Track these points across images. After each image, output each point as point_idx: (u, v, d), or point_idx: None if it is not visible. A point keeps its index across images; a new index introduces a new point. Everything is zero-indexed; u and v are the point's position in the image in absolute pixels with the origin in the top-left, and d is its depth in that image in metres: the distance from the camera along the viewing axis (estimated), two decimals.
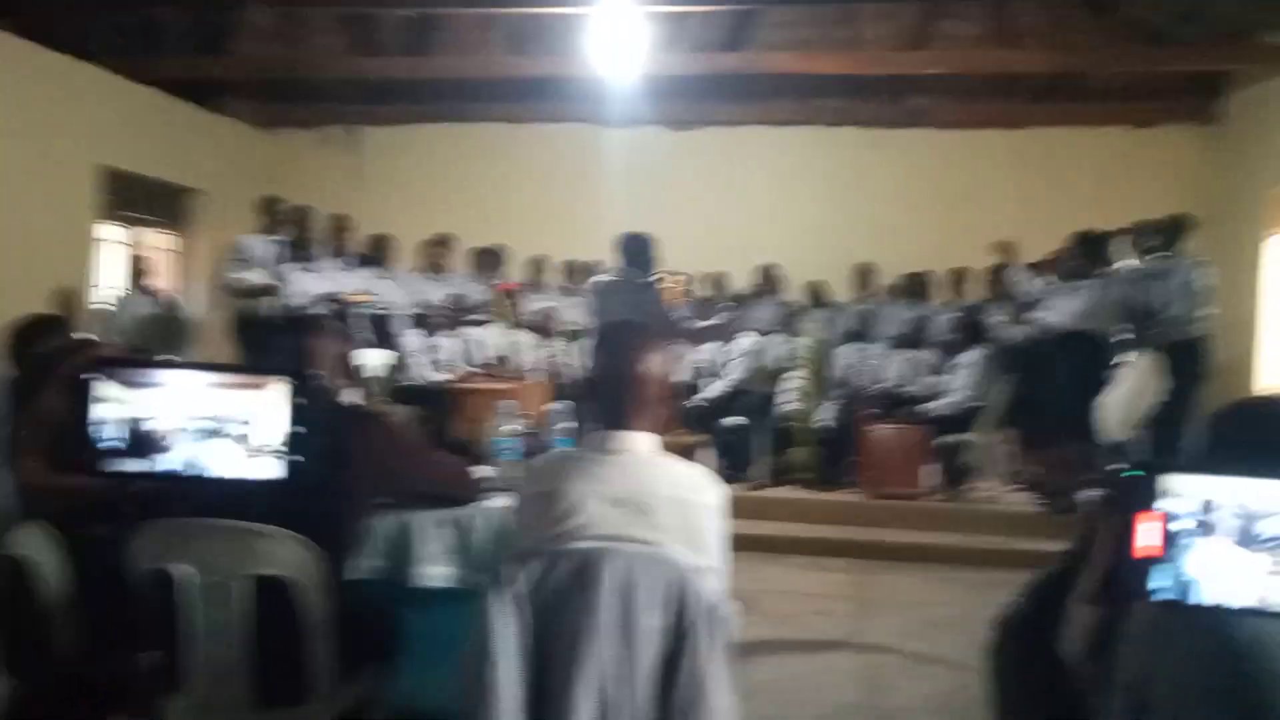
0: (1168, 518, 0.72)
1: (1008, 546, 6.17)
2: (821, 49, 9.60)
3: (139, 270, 8.70)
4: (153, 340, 8.48)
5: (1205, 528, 0.71)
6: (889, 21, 9.51)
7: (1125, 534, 0.72)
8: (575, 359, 7.94)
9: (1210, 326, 6.62)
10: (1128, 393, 6.15)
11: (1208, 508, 0.71)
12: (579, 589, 1.94)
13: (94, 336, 2.74)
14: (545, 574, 1.97)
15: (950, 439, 7.20)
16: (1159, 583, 0.72)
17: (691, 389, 7.72)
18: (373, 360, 7.58)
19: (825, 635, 4.89)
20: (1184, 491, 0.71)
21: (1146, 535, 0.71)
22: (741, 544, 6.03)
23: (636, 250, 5.70)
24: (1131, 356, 6.24)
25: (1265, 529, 0.71)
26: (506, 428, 3.27)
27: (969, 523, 6.79)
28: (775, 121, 10.10)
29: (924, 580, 5.95)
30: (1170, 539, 0.71)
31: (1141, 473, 0.73)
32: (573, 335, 8.20)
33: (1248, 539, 0.71)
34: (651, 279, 5.78)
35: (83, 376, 0.75)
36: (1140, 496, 0.72)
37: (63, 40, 8.25)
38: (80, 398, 0.76)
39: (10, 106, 7.51)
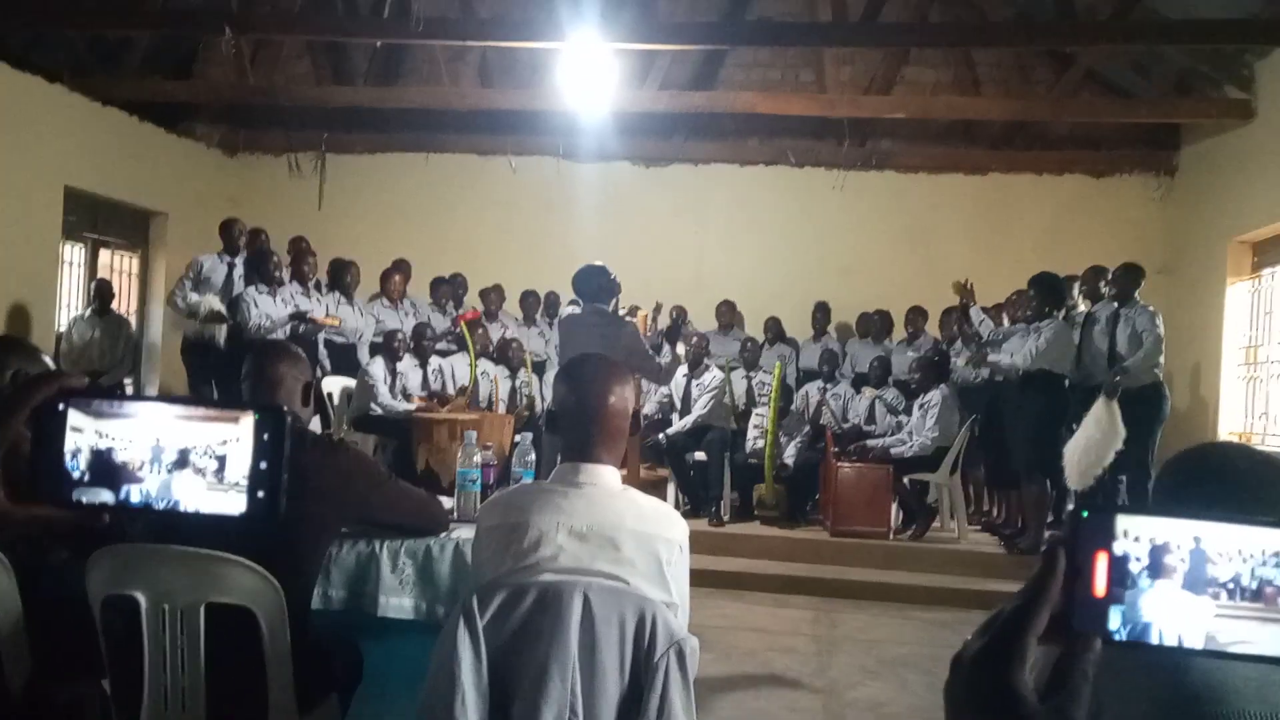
0: (1121, 558, 0.72)
1: (970, 586, 6.21)
2: (788, 90, 9.74)
3: (97, 292, 8.61)
4: (107, 362, 8.38)
5: (1155, 569, 0.72)
6: (854, 66, 9.68)
7: (1080, 573, 0.72)
8: (539, 390, 7.92)
9: (1163, 374, 6.74)
10: (1087, 442, 6.24)
11: (1160, 549, 0.72)
12: (545, 622, 1.93)
13: (51, 364, 2.69)
14: (510, 606, 1.95)
15: (914, 478, 7.25)
16: (1115, 624, 0.72)
17: (656, 424, 7.71)
18: (336, 388, 7.53)
19: (788, 673, 4.88)
20: (1138, 532, 0.72)
21: (1100, 575, 0.72)
22: (705, 580, 6.02)
23: (595, 284, 5.70)
24: (1096, 405, 6.32)
25: (1214, 573, 0.72)
26: (471, 459, 3.24)
27: (931, 562, 6.82)
28: (741, 160, 10.21)
29: (886, 619, 5.96)
30: (1123, 579, 0.72)
31: (1097, 513, 0.73)
32: (536, 366, 8.19)
33: (1196, 582, 0.71)
34: (624, 314, 5.78)
35: (48, 406, 0.74)
36: (1095, 536, 0.72)
37: (30, 61, 8.20)
38: (45, 427, 0.75)
39: None
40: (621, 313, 5.76)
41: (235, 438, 0.81)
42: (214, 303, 7.26)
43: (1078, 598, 0.72)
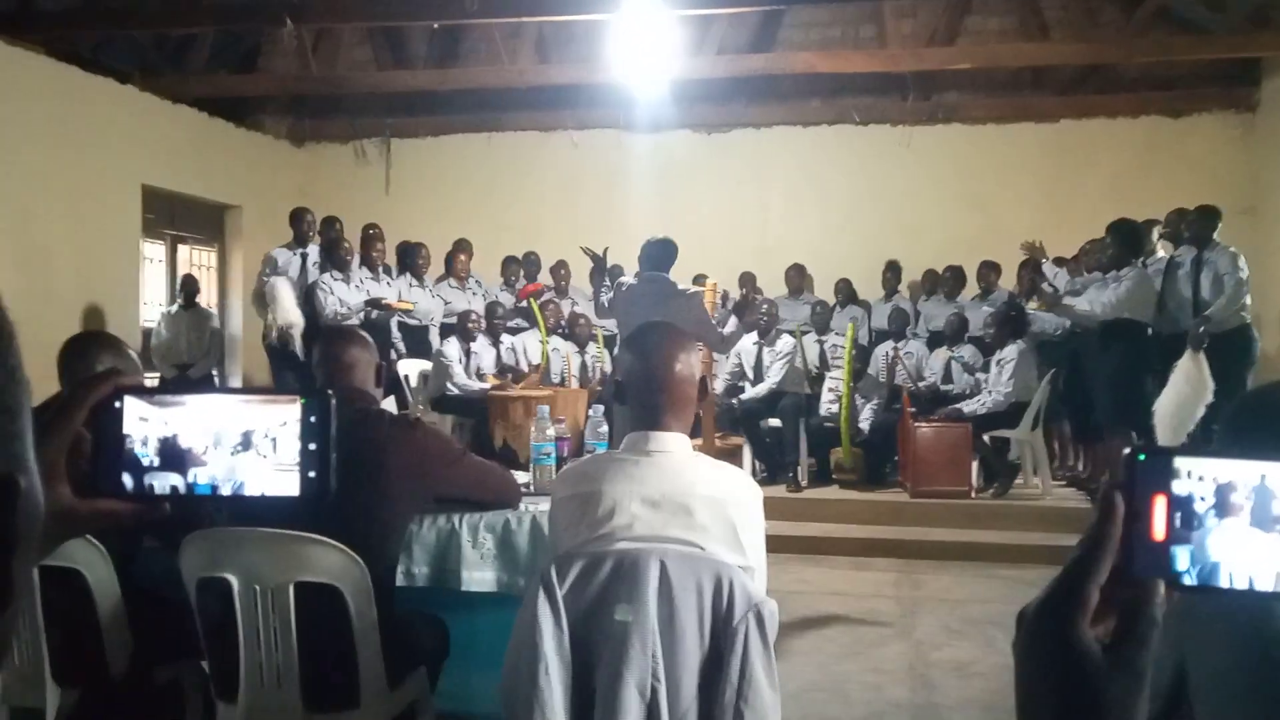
0: (1186, 499, 0.70)
1: (1055, 543, 6.10)
2: (848, 47, 9.58)
3: (184, 287, 8.83)
4: (195, 355, 8.61)
5: (1221, 509, 0.70)
6: (915, 18, 9.48)
7: (1138, 517, 0.70)
8: (609, 363, 7.95)
9: (1250, 316, 6.53)
10: (1177, 397, 6.06)
11: (1225, 488, 0.70)
12: (623, 590, 1.94)
13: (136, 358, 2.78)
14: (588, 575, 1.97)
15: (994, 435, 7.14)
16: (1182, 567, 0.70)
17: (730, 391, 7.70)
18: (412, 369, 7.65)
19: (872, 635, 4.86)
20: (1200, 473, 0.70)
21: (1159, 518, 0.70)
22: (785, 546, 6.00)
23: (665, 252, 5.74)
24: (1183, 359, 6.12)
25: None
26: (544, 433, 3.28)
27: (1015, 519, 6.72)
28: (804, 122, 10.07)
29: (970, 578, 5.91)
30: (1189, 521, 0.70)
31: (1153, 455, 0.71)
32: (607, 340, 8.21)
33: (1264, 520, 0.69)
34: (692, 288, 5.80)
35: (106, 404, 0.77)
36: (1152, 479, 0.71)
37: (101, 64, 8.41)
38: (104, 425, 0.78)
39: (57, 129, 7.69)
40: (686, 291, 5.77)
41: (288, 421, 0.84)
42: (288, 316, 7.32)
43: (1137, 542, 0.70)
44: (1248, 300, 6.47)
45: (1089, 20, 9.23)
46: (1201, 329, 6.18)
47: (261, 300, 7.58)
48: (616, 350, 5.81)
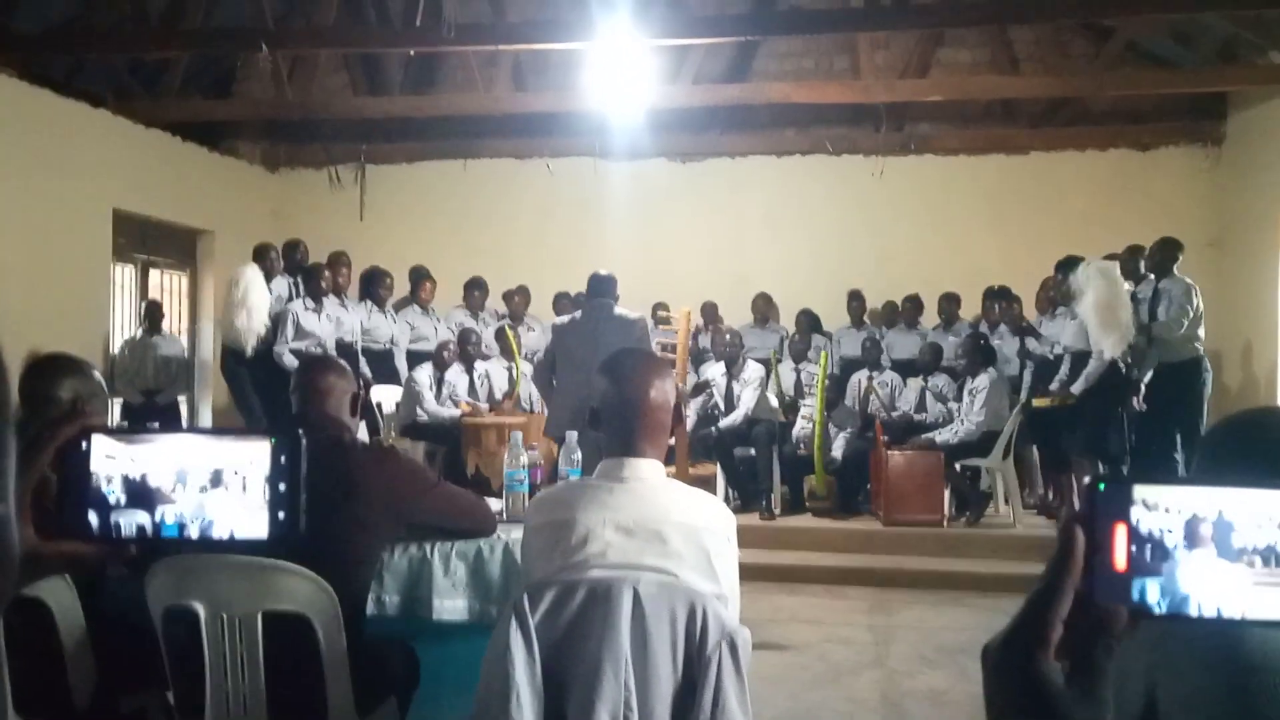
0: (1154, 532, 0.70)
1: (1027, 571, 6.11)
2: (822, 78, 9.68)
3: (148, 313, 8.75)
4: (161, 381, 8.51)
5: (1190, 539, 0.70)
6: (889, 50, 9.59)
7: (1100, 547, 0.70)
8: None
9: (1202, 349, 6.64)
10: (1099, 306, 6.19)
11: (1193, 520, 0.70)
12: (596, 618, 1.92)
13: (102, 382, 2.74)
14: (561, 603, 1.95)
15: (965, 464, 7.17)
16: (1152, 597, 0.70)
17: (703, 420, 7.70)
18: (384, 396, 7.61)
19: (845, 663, 4.85)
20: (1164, 503, 0.70)
21: (1120, 547, 0.70)
22: (758, 574, 6.00)
23: (604, 285, 5.78)
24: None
25: (1246, 540, 0.70)
26: (517, 460, 3.26)
27: (987, 548, 6.75)
28: (778, 151, 10.15)
29: (944, 607, 5.91)
30: (1158, 553, 0.70)
31: (1113, 484, 0.72)
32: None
33: (1229, 551, 0.70)
34: (633, 314, 5.80)
35: (72, 446, 0.76)
36: (1112, 508, 0.71)
37: (74, 88, 8.36)
38: (70, 467, 0.77)
39: (29, 152, 7.62)
40: (628, 315, 5.79)
41: (257, 460, 0.82)
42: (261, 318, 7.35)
43: (1099, 572, 0.70)
44: (1200, 333, 6.57)
45: (1059, 54, 9.36)
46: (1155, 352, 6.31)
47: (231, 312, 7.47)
48: (556, 379, 5.82)
